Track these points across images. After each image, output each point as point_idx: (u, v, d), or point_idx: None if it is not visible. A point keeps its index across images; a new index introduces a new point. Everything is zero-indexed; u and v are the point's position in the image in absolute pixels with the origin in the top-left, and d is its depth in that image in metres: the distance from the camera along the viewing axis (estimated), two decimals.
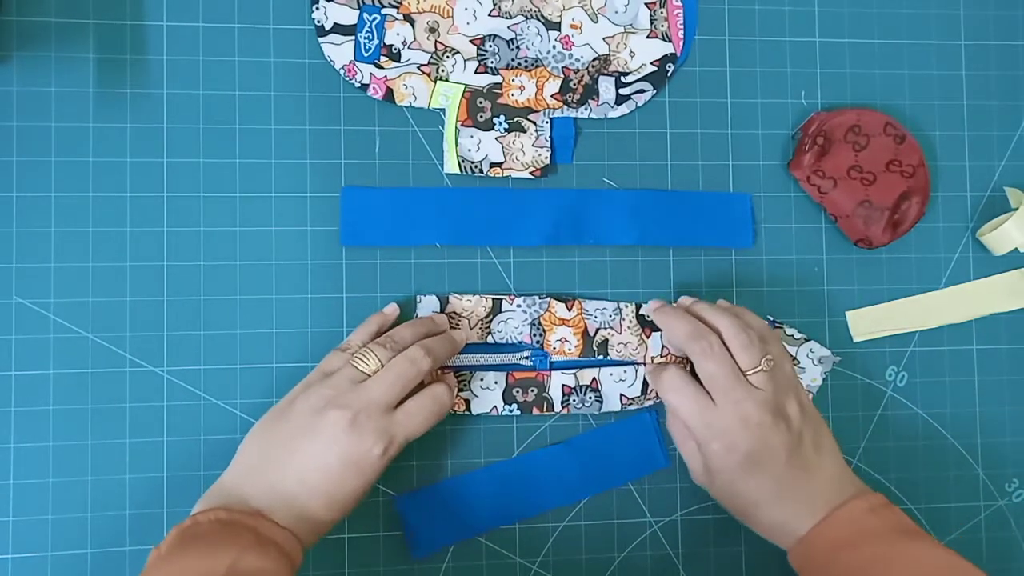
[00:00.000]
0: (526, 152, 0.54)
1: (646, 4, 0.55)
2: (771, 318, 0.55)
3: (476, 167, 0.53)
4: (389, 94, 0.53)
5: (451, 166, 0.53)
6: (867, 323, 0.56)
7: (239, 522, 0.42)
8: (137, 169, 0.51)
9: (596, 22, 0.54)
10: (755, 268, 0.56)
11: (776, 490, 0.46)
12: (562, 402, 0.51)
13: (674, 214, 0.55)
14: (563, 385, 0.52)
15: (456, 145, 0.53)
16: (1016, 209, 0.57)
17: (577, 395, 0.51)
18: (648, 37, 0.55)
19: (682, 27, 0.55)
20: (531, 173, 0.54)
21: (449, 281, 0.53)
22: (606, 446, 0.53)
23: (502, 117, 0.53)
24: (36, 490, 0.49)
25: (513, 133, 0.53)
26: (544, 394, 0.51)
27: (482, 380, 0.51)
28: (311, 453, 0.44)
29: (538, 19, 0.54)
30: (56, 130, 0.51)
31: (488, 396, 0.51)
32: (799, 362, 0.55)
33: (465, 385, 0.51)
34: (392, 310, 0.51)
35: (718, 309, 0.50)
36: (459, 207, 0.53)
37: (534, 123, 0.54)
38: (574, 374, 0.52)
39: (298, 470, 0.44)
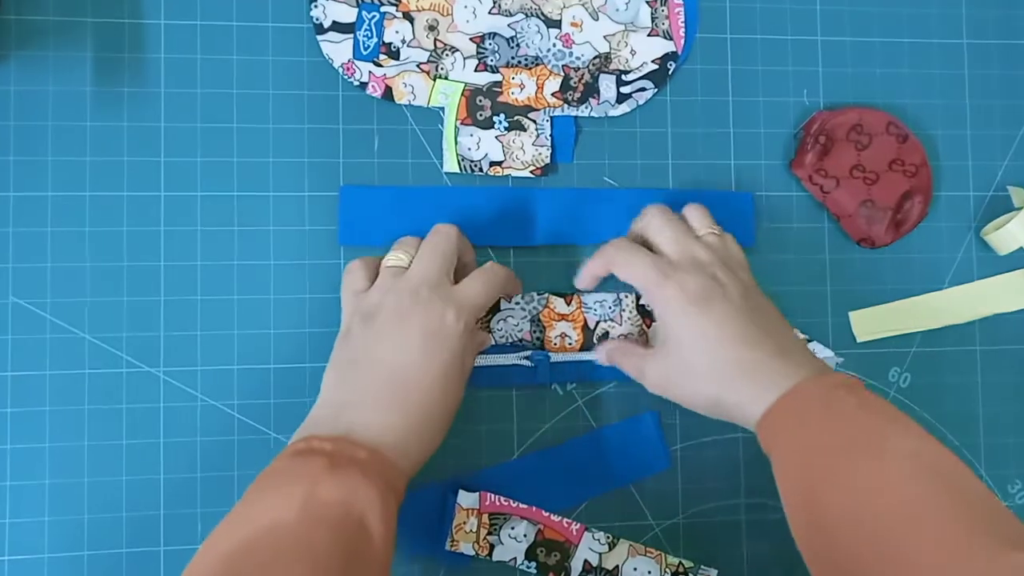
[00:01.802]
0: (526, 151, 0.53)
1: (647, 2, 0.54)
2: None
3: (476, 166, 0.53)
4: (388, 92, 0.52)
5: (451, 165, 0.53)
6: (870, 323, 0.56)
7: (315, 448, 0.40)
8: (134, 168, 0.51)
9: (597, 20, 0.54)
10: (757, 268, 0.55)
11: (733, 337, 0.44)
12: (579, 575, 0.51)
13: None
14: (585, 560, 0.51)
15: (456, 144, 0.53)
16: (1020, 208, 0.57)
17: (595, 575, 0.51)
18: (649, 35, 0.54)
19: (683, 25, 0.55)
20: (531, 172, 0.53)
21: None
22: (607, 448, 0.53)
23: (502, 116, 0.53)
24: (32, 492, 0.49)
25: (513, 132, 0.53)
26: (565, 563, 0.51)
27: (512, 529, 0.50)
28: (388, 345, 0.43)
29: (538, 17, 0.54)
30: (53, 129, 0.50)
31: (513, 547, 0.50)
32: None
33: (496, 530, 0.50)
34: None
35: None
36: (459, 206, 0.53)
37: (534, 122, 0.53)
38: (599, 554, 0.51)
39: (381, 367, 0.43)
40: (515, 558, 0.50)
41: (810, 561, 0.41)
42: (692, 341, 0.45)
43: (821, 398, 0.42)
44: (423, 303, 0.44)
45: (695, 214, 0.50)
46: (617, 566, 0.51)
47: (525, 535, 0.51)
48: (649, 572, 0.51)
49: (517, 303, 0.51)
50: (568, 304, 0.52)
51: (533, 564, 0.50)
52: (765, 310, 0.47)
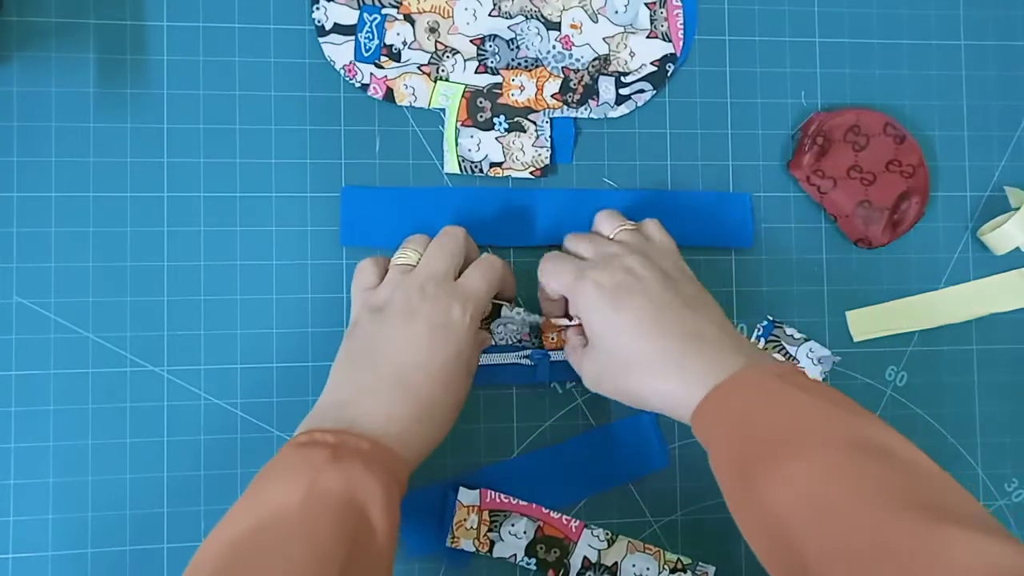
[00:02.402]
0: (526, 152, 0.54)
1: (646, 4, 0.55)
2: (771, 318, 0.55)
3: (476, 167, 0.53)
4: (389, 94, 0.53)
5: (451, 166, 0.53)
6: (867, 323, 0.56)
7: (317, 441, 0.40)
8: (137, 169, 0.51)
9: (596, 22, 0.54)
10: (755, 268, 0.56)
11: (651, 329, 0.43)
12: (578, 573, 0.51)
13: (674, 214, 0.54)
14: (585, 557, 0.51)
15: (456, 145, 0.53)
16: (1016, 209, 0.57)
17: (595, 572, 0.51)
18: (648, 37, 0.55)
19: (682, 27, 0.55)
20: (531, 173, 0.54)
21: None
22: (606, 446, 0.53)
23: (502, 117, 0.53)
24: (36, 490, 0.49)
25: (513, 133, 0.54)
26: (565, 559, 0.51)
27: (512, 526, 0.51)
28: (395, 338, 0.44)
29: (538, 19, 0.54)
30: (56, 130, 0.51)
31: (512, 543, 0.51)
32: (799, 361, 0.55)
33: (496, 527, 0.51)
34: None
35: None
36: (459, 207, 0.53)
37: (534, 123, 0.54)
38: (598, 551, 0.51)
39: (387, 361, 0.43)
40: (515, 554, 0.51)
41: (760, 555, 0.39)
42: (611, 336, 0.45)
43: (758, 387, 0.41)
44: (430, 298, 0.44)
45: (603, 218, 0.50)
46: (616, 563, 0.52)
47: (525, 532, 0.51)
48: (648, 569, 0.52)
49: (519, 313, 0.51)
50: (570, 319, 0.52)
51: (533, 560, 0.51)
52: (693, 299, 0.45)
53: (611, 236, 0.49)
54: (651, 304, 0.44)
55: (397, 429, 0.42)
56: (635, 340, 0.44)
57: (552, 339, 0.52)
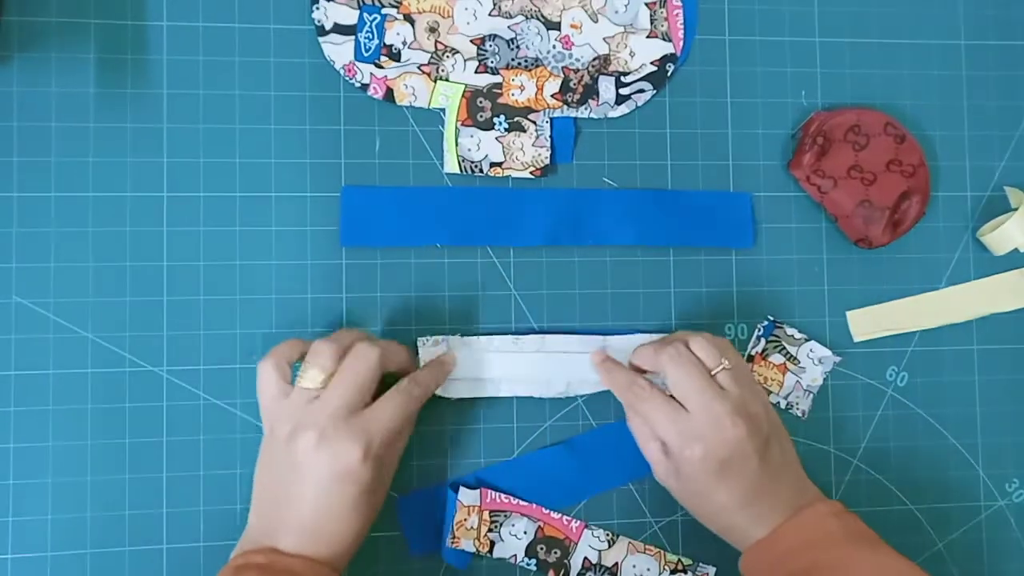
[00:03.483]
0: (526, 152, 0.54)
1: (646, 4, 0.55)
2: (771, 318, 0.55)
3: (476, 167, 0.53)
4: (389, 94, 0.53)
5: (451, 166, 0.53)
6: (867, 323, 0.56)
7: (250, 563, 0.43)
8: (137, 169, 0.51)
9: (596, 22, 0.54)
10: (755, 268, 0.56)
11: (744, 495, 0.46)
12: (578, 573, 0.51)
13: (674, 214, 0.55)
14: (585, 558, 0.51)
15: (456, 145, 0.53)
16: (1016, 209, 0.57)
17: (595, 573, 0.51)
18: (648, 37, 0.55)
19: (682, 27, 0.55)
20: (531, 173, 0.54)
21: (449, 281, 0.53)
22: (606, 446, 0.53)
23: (502, 117, 0.53)
24: (36, 490, 0.49)
25: (513, 133, 0.54)
26: (565, 560, 0.51)
27: (513, 527, 0.51)
28: (301, 483, 0.44)
29: (538, 19, 0.54)
30: (56, 130, 0.51)
31: (513, 544, 0.51)
32: (799, 362, 0.55)
33: (496, 527, 0.51)
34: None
35: (661, 341, 0.50)
36: (459, 207, 0.53)
37: (534, 123, 0.54)
38: (599, 551, 0.51)
39: (293, 502, 0.44)
40: (515, 555, 0.51)
41: None
42: (703, 495, 0.47)
43: (804, 535, 0.46)
44: (328, 444, 0.43)
45: (703, 348, 0.48)
46: (616, 563, 0.51)
47: (525, 532, 0.51)
48: (648, 569, 0.52)
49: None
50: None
51: (533, 561, 0.51)
52: (781, 463, 0.48)
53: (713, 373, 0.47)
54: (749, 481, 0.46)
55: (315, 553, 0.44)
56: (726, 509, 0.47)
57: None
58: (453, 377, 0.51)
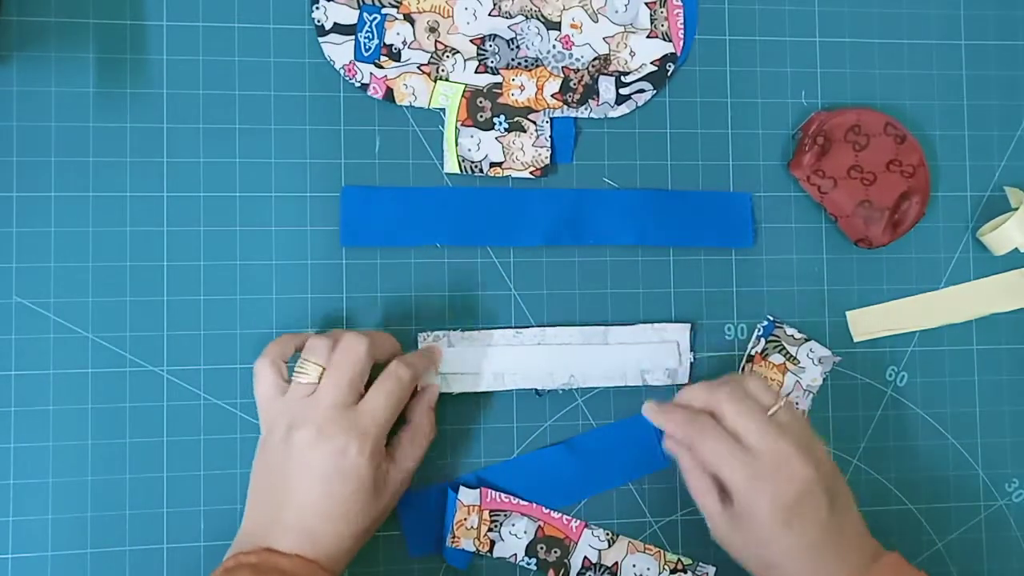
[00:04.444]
0: (526, 152, 0.54)
1: (646, 4, 0.55)
2: (771, 318, 0.55)
3: (476, 167, 0.53)
4: (389, 94, 0.53)
5: (451, 166, 0.53)
6: (867, 323, 0.56)
7: (241, 563, 0.42)
8: (137, 169, 0.51)
9: (596, 22, 0.54)
10: (755, 268, 0.56)
11: (811, 545, 0.44)
12: (578, 573, 0.51)
13: (674, 214, 0.55)
14: (585, 557, 0.51)
15: (456, 145, 0.53)
16: (1016, 209, 0.57)
17: (595, 572, 0.51)
18: (648, 37, 0.55)
19: (682, 27, 0.55)
20: (531, 173, 0.54)
21: (449, 281, 0.53)
22: (606, 446, 0.53)
23: (502, 117, 0.53)
24: (36, 490, 0.49)
25: (513, 133, 0.53)
26: (565, 559, 0.51)
27: (513, 526, 0.51)
28: (298, 480, 0.44)
29: (538, 19, 0.54)
30: (56, 130, 0.51)
31: (513, 543, 0.51)
32: (799, 361, 0.55)
33: (496, 526, 0.51)
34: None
35: (714, 381, 0.49)
36: (459, 207, 0.53)
37: (534, 123, 0.54)
38: (598, 551, 0.51)
39: (290, 500, 0.44)
40: (515, 554, 0.51)
41: None
42: (770, 543, 0.44)
43: None
44: (325, 440, 0.43)
45: (759, 387, 0.47)
46: (616, 562, 0.52)
47: (525, 531, 0.51)
48: (648, 569, 0.52)
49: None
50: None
51: (533, 560, 0.51)
52: (841, 503, 0.45)
53: (771, 412, 0.46)
54: (817, 530, 0.44)
55: (312, 551, 0.43)
56: (792, 559, 0.44)
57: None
58: (456, 371, 0.51)
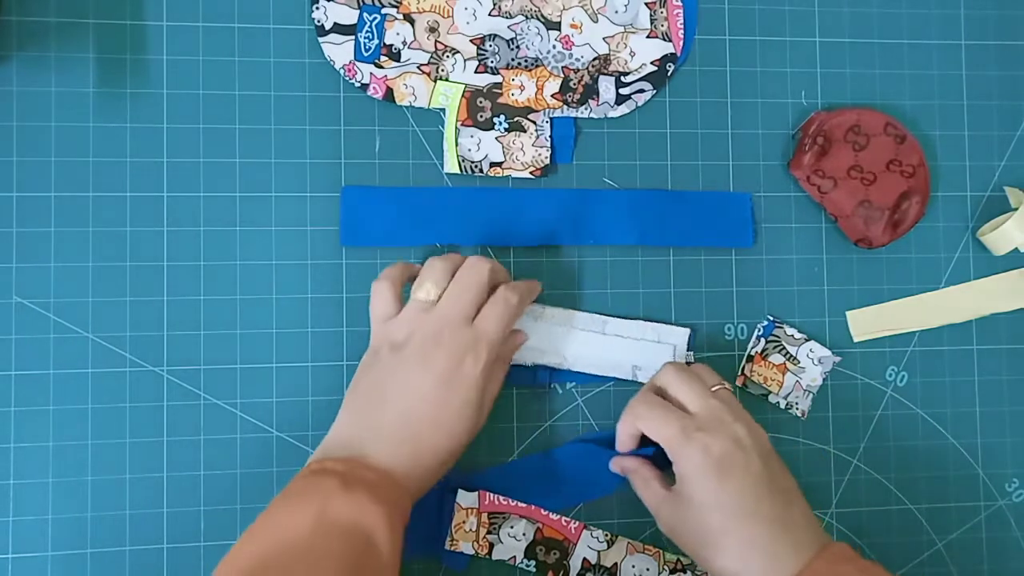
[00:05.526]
0: (526, 152, 0.54)
1: (646, 4, 0.55)
2: (771, 318, 0.55)
3: (476, 167, 0.53)
4: (389, 94, 0.53)
5: (451, 166, 0.53)
6: (867, 323, 0.56)
7: (328, 469, 0.42)
8: (137, 169, 0.51)
9: (596, 22, 0.54)
10: (755, 268, 0.56)
11: (750, 512, 0.44)
12: (578, 574, 0.51)
13: (674, 214, 0.55)
14: (584, 559, 0.51)
15: (456, 145, 0.53)
16: (1016, 209, 0.57)
17: (594, 573, 0.51)
18: (648, 37, 0.55)
19: (682, 27, 0.55)
20: (531, 173, 0.54)
21: None
22: (605, 447, 0.53)
23: (502, 117, 0.53)
24: (36, 490, 0.49)
25: (513, 133, 0.54)
26: (564, 561, 0.51)
27: (512, 528, 0.51)
28: (407, 384, 0.44)
29: (538, 19, 0.54)
30: (56, 130, 0.51)
31: (512, 545, 0.51)
32: (799, 361, 0.55)
33: (495, 529, 0.51)
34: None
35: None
36: (459, 207, 0.53)
37: (534, 123, 0.54)
38: (598, 552, 0.51)
39: (397, 405, 0.44)
40: (514, 556, 0.51)
41: None
42: (708, 507, 0.45)
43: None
44: (444, 347, 0.45)
45: (704, 369, 0.50)
46: (616, 563, 0.52)
47: (524, 534, 0.51)
48: (648, 569, 0.52)
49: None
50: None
51: (532, 563, 0.51)
52: (783, 479, 0.46)
53: (713, 389, 0.48)
54: (753, 484, 0.45)
55: (402, 466, 0.44)
56: (730, 519, 0.44)
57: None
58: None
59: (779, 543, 0.44)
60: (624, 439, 0.50)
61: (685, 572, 0.52)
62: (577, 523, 0.52)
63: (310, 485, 0.41)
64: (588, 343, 0.53)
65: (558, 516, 0.51)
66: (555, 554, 0.51)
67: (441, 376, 0.45)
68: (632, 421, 0.48)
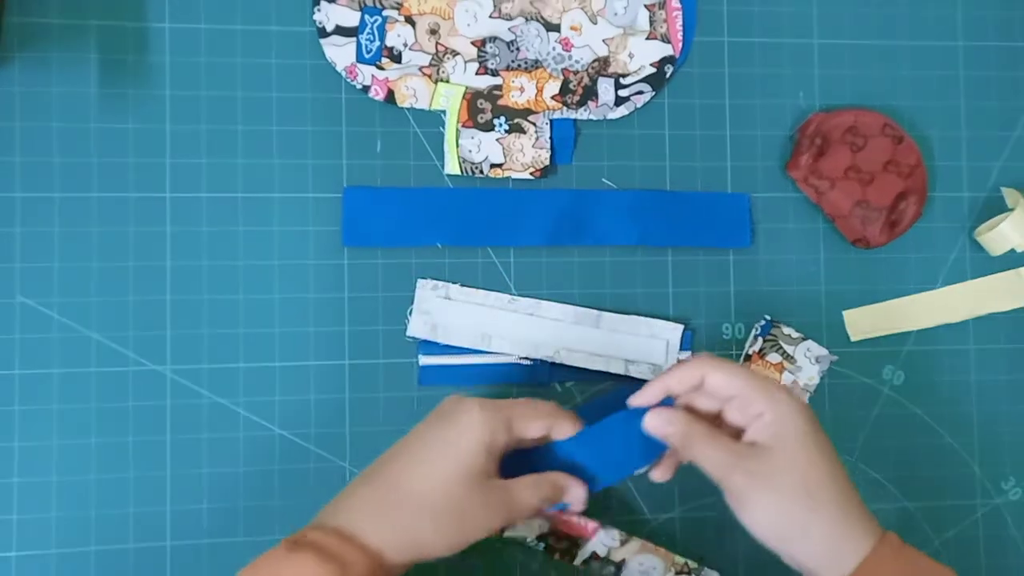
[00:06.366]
0: (526, 153, 0.54)
1: (645, 6, 0.55)
2: (768, 317, 0.56)
3: (477, 168, 0.54)
4: (390, 95, 0.53)
5: (452, 167, 0.53)
6: (864, 322, 0.57)
7: (300, 540, 0.40)
8: (140, 170, 0.51)
9: (596, 24, 0.55)
10: (753, 268, 0.56)
11: (834, 473, 0.41)
12: (584, 560, 0.51)
13: (673, 214, 0.55)
14: (594, 552, 0.51)
15: (457, 146, 0.53)
16: (1012, 209, 0.57)
17: (600, 563, 0.51)
18: (647, 39, 0.55)
19: (681, 29, 0.55)
20: (531, 174, 0.54)
21: (450, 281, 0.53)
22: (605, 442, 0.53)
23: (502, 118, 0.54)
24: (40, 488, 0.50)
25: (513, 134, 0.54)
26: (574, 550, 0.51)
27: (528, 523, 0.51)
28: (416, 444, 0.42)
29: (538, 21, 0.54)
30: (58, 131, 0.51)
31: (527, 527, 0.51)
32: (796, 361, 0.55)
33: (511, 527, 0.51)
34: None
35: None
36: (460, 207, 0.53)
37: (534, 124, 0.54)
38: (609, 548, 0.52)
39: (399, 470, 0.42)
40: (526, 537, 0.51)
41: None
42: (805, 474, 0.41)
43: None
44: (472, 412, 0.43)
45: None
46: (624, 559, 0.52)
47: (539, 525, 0.51)
48: (654, 568, 0.52)
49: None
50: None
51: (542, 544, 0.51)
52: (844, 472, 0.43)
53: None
54: (835, 460, 0.42)
55: (397, 540, 0.40)
56: (825, 479, 0.41)
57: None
58: (447, 323, 0.52)
59: (848, 523, 0.41)
60: (657, 392, 0.44)
61: (690, 575, 0.53)
62: (594, 523, 0.52)
63: (268, 554, 0.40)
64: (581, 338, 0.53)
65: (578, 518, 0.51)
66: (566, 543, 0.52)
67: (445, 434, 0.42)
68: (696, 370, 0.43)
